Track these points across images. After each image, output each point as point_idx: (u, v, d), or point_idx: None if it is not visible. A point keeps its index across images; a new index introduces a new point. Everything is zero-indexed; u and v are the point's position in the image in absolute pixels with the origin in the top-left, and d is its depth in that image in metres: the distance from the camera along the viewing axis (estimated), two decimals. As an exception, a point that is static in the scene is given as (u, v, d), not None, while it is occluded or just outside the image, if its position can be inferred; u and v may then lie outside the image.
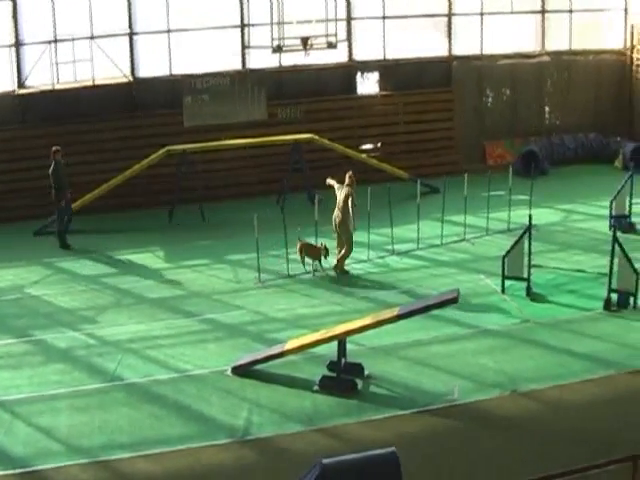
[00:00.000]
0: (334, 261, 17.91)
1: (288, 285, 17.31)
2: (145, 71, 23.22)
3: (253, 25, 23.25)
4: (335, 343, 13.27)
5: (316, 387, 13.20)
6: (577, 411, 12.79)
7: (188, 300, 16.70)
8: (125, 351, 14.51)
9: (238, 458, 11.52)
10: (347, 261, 17.97)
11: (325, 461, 8.98)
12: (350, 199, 17.28)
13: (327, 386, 13.18)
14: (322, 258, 17.67)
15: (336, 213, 17.59)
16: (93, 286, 17.65)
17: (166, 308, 16.34)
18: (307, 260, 17.88)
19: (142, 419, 12.39)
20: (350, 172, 17.77)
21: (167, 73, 23.22)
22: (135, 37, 22.87)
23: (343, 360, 13.38)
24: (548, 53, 26.37)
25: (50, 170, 19.52)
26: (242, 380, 13.47)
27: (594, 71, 26.68)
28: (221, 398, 12.99)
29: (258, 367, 13.62)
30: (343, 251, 17.73)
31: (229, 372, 13.65)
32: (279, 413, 12.60)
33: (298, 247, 17.78)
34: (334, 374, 13.34)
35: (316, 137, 22.27)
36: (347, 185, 17.50)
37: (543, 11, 26.10)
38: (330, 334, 13.43)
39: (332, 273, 17.91)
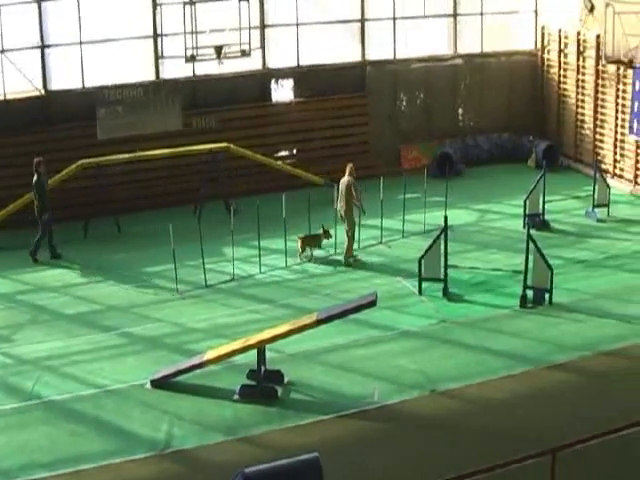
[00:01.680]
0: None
1: (206, 295, 17.23)
2: (58, 84, 22.87)
3: (166, 35, 23.08)
4: (255, 351, 13.28)
5: (236, 396, 13.20)
6: (497, 408, 13.00)
7: (106, 314, 16.50)
8: (43, 369, 14.28)
9: (160, 472, 11.46)
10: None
11: (247, 470, 8.99)
12: (353, 188, 18.13)
13: (247, 395, 13.18)
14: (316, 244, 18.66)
15: (339, 204, 18.54)
16: (8, 304, 17.29)
17: (83, 323, 16.11)
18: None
19: (62, 437, 12.24)
20: (351, 163, 18.66)
21: (80, 86, 22.89)
22: (47, 50, 22.53)
23: (263, 368, 13.39)
24: (461, 56, 26.66)
25: (33, 182, 19.18)
26: (162, 393, 13.40)
27: (506, 73, 27.08)
28: (141, 412, 12.90)
29: (178, 379, 13.54)
30: (346, 243, 18.47)
31: (149, 385, 13.56)
32: (200, 424, 12.56)
33: (299, 244, 18.54)
34: (254, 382, 13.33)
35: (231, 146, 22.21)
36: (348, 175, 18.35)
37: (455, 14, 26.39)
38: (249, 342, 13.45)
39: (340, 258, 18.77)
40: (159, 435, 12.22)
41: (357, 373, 13.94)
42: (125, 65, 23.27)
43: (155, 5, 22.80)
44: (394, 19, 25.59)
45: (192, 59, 22.57)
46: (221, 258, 18.86)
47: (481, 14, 26.53)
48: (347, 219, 18.51)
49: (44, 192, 19.33)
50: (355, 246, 19.17)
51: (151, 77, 23.47)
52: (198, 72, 23.88)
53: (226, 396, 13.24)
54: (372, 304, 13.28)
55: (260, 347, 13.30)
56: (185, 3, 22.04)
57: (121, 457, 11.67)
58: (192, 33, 22.12)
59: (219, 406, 13.04)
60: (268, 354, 13.56)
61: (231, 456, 11.70)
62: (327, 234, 18.78)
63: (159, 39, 23.20)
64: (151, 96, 23.15)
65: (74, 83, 22.88)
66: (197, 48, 22.29)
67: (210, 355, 13.56)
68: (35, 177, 19.26)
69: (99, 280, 18.38)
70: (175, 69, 23.58)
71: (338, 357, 14.48)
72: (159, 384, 13.53)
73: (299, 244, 18.71)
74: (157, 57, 23.41)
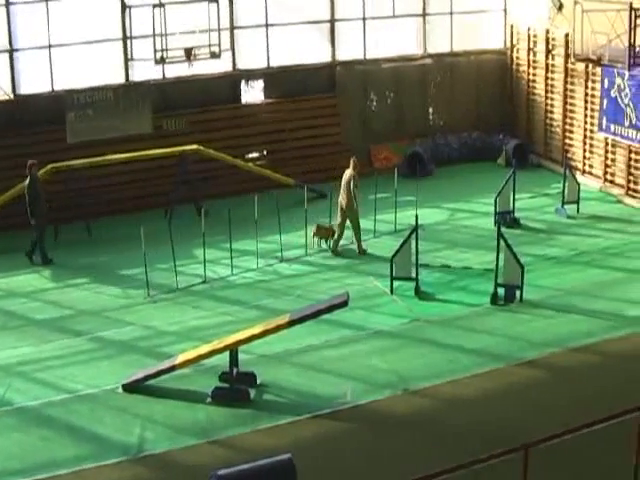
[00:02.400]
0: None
1: (178, 298, 17.18)
2: (27, 88, 22.74)
3: (135, 37, 22.99)
4: (227, 353, 13.28)
5: (209, 399, 13.19)
6: (469, 405, 13.10)
7: (77, 319, 16.41)
8: (14, 375, 14.20)
9: (133, 476, 11.46)
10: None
11: (220, 472, 9.03)
12: (353, 182, 18.62)
13: (220, 397, 13.18)
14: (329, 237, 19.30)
15: (341, 196, 19.01)
16: (-22, 310, 17.19)
17: (55, 328, 16.02)
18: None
19: (34, 443, 12.18)
20: (354, 157, 19.32)
21: (49, 89, 22.77)
22: (15, 54, 22.39)
23: (235, 370, 13.39)
24: (430, 55, 26.72)
25: (26, 185, 19.06)
26: (134, 397, 13.37)
27: (476, 71, 27.16)
28: (114, 416, 12.86)
29: (150, 382, 13.53)
30: (354, 235, 19.16)
31: (121, 390, 13.52)
32: (173, 427, 12.56)
33: (314, 230, 19.13)
34: (227, 385, 13.33)
35: (202, 148, 22.17)
36: (352, 169, 18.96)
37: (424, 14, 26.46)
38: (221, 345, 13.46)
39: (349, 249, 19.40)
40: (132, 439, 12.20)
41: (329, 373, 13.99)
42: (95, 68, 23.14)
43: (124, 7, 22.69)
44: (364, 19, 25.62)
45: (162, 61, 22.48)
46: (192, 260, 18.80)
47: (450, 13, 26.60)
48: (349, 211, 18.98)
49: (38, 195, 19.20)
50: (325, 246, 19.40)
51: (121, 80, 23.36)
52: (168, 74, 23.78)
53: (199, 399, 13.23)
54: (344, 304, 13.31)
55: (232, 349, 13.32)
56: (154, 5, 21.95)
57: (94, 462, 11.64)
58: (161, 35, 22.03)
59: (192, 409, 13.03)
60: (241, 356, 13.59)
61: (204, 459, 11.70)
62: (332, 232, 19.20)
63: (128, 41, 23.09)
64: (121, 99, 23.03)
65: (43, 87, 22.74)
66: (167, 50, 22.20)
67: (182, 358, 13.56)
68: (28, 180, 19.16)
69: (70, 285, 18.27)
70: (145, 71, 23.48)
71: (310, 358, 14.52)
72: (131, 388, 13.50)
73: (313, 232, 19.21)
74: (127, 60, 23.31)
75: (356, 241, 19.21)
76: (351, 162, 19.14)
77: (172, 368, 13.46)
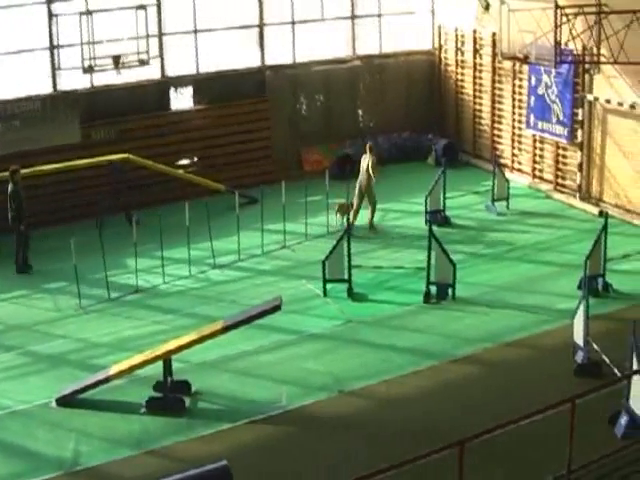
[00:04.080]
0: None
1: (110, 309, 16.98)
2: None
3: (63, 46, 22.73)
4: (161, 363, 13.19)
5: (143, 409, 13.09)
6: (404, 404, 13.20)
7: (7, 334, 16.10)
8: (-57, 393, 13.96)
9: (67, 491, 11.33)
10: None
11: (157, 483, 8.96)
12: (370, 165, 20.48)
13: (155, 407, 13.09)
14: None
15: (361, 178, 20.72)
16: None
17: (-16, 345, 15.76)
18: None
19: (-35, 462, 11.97)
20: (370, 143, 21.40)
21: (-25, 101, 22.40)
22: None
23: (169, 379, 13.32)
24: (360, 57, 26.85)
25: (9, 192, 18.74)
26: (68, 411, 13.20)
27: (405, 73, 27.33)
28: (47, 431, 12.69)
29: (84, 395, 13.36)
30: (370, 212, 20.77)
31: (54, 404, 13.34)
32: (107, 440, 12.43)
33: (336, 208, 20.52)
34: (161, 394, 13.24)
35: (132, 156, 21.99)
36: (369, 153, 20.69)
37: (353, 17, 26.59)
38: (155, 354, 13.36)
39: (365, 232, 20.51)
40: (66, 454, 12.07)
41: (265, 378, 13.99)
42: (22, 78, 22.81)
43: (51, 16, 22.42)
44: (293, 23, 25.64)
45: (90, 70, 22.25)
46: (124, 270, 18.59)
47: (379, 15, 26.77)
48: (368, 192, 20.67)
49: (21, 201, 18.93)
50: (259, 251, 19.43)
51: (48, 90, 23.06)
52: (96, 83, 23.53)
53: (133, 410, 13.13)
54: (277, 308, 13.36)
55: (166, 358, 13.23)
56: (81, 13, 21.74)
57: (28, 479, 11.45)
58: (89, 43, 21.82)
59: (126, 420, 12.92)
60: (174, 364, 13.50)
61: (140, 470, 11.63)
62: (348, 208, 20.38)
63: (56, 51, 22.83)
64: (49, 109, 22.74)
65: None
66: (95, 59, 21.98)
67: (115, 369, 13.44)
68: (11, 186, 18.89)
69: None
70: (73, 81, 23.21)
71: (245, 363, 14.49)
72: (65, 402, 13.32)
73: (336, 210, 20.52)
74: (54, 69, 23.01)
75: (370, 218, 20.80)
76: (367, 147, 20.90)
77: (106, 380, 13.32)
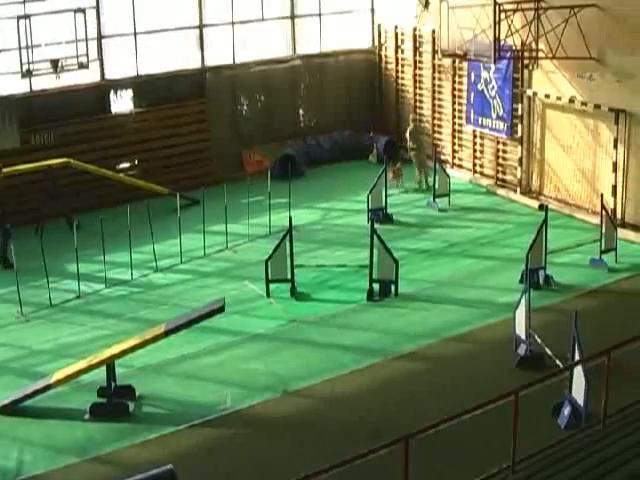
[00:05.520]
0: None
1: (51, 315, 16.78)
2: None
3: (0, 51, 22.44)
4: (104, 368, 13.12)
5: (87, 415, 13.00)
6: (348, 402, 13.27)
7: (-55, 345, 15.90)
8: None
9: (11, 500, 11.22)
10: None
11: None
12: (415, 132, 23.96)
13: (98, 413, 13.00)
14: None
15: (410, 145, 23.84)
16: None
17: None
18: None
19: None
20: (412, 114, 25.29)
21: None
22: None
23: (113, 384, 13.24)
24: (300, 57, 26.87)
25: None
26: (10, 419, 13.06)
27: (345, 71, 27.42)
28: (-11, 442, 12.56)
29: (26, 403, 13.22)
30: (417, 175, 23.85)
31: (-5, 413, 13.22)
32: (51, 448, 12.33)
33: (391, 174, 22.69)
34: (105, 400, 13.17)
35: (72, 161, 21.79)
36: (413, 122, 24.24)
37: (293, 16, 26.61)
38: (97, 360, 13.28)
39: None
40: (9, 463, 11.93)
41: (208, 381, 13.98)
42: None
43: (-13, 20, 22.14)
44: (232, 24, 25.55)
45: (28, 74, 21.95)
46: (65, 276, 18.38)
47: (319, 15, 26.82)
48: (417, 155, 23.73)
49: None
50: (201, 253, 19.39)
51: (-14, 95, 22.77)
52: (35, 87, 23.26)
53: (77, 416, 13.03)
54: (220, 310, 13.35)
55: (109, 363, 13.15)
56: (19, 17, 21.45)
57: (-30, 491, 11.39)
58: (27, 47, 21.52)
59: (70, 427, 12.82)
60: (118, 370, 13.43)
61: (84, 477, 11.58)
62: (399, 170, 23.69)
63: (-8, 55, 22.52)
64: (-14, 114, 22.45)
65: None
66: (33, 63, 21.68)
67: (58, 376, 13.32)
68: None
69: None
70: (11, 85, 22.93)
71: (188, 366, 14.45)
72: (7, 411, 13.17)
73: (391, 177, 22.68)
74: (-9, 74, 22.72)
75: (424, 177, 23.66)
76: (410, 118, 24.64)
77: (48, 387, 13.21)
